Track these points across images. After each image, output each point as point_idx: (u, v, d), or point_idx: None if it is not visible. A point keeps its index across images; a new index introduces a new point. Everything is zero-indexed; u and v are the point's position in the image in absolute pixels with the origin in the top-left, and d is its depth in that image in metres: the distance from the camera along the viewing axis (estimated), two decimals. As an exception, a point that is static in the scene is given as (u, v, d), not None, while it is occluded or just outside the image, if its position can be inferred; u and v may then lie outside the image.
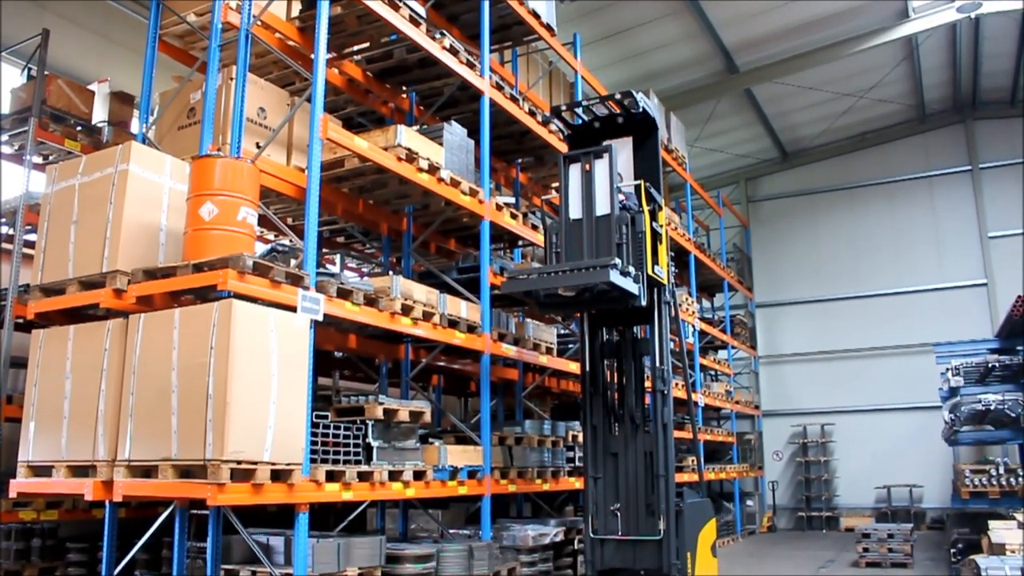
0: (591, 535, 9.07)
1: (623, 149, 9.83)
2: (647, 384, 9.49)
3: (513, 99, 11.09)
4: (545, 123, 11.80)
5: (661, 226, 9.34)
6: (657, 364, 9.18)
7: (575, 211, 9.14)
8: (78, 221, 7.28)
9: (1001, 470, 14.16)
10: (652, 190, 9.25)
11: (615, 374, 9.68)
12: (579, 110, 9.75)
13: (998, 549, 8.93)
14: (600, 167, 9.09)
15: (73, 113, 10.58)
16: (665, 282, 9.34)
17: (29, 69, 11.11)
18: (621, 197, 9.07)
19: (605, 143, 9.68)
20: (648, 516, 8.97)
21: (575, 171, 9.23)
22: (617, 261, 8.17)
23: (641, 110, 9.47)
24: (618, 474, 9.25)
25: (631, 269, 8.44)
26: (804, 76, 19.34)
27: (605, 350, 9.70)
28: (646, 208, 9.02)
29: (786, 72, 19.01)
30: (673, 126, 17.91)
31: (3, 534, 9.10)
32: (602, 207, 8.96)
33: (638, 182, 9.21)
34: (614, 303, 9.21)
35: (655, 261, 9.08)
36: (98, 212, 7.12)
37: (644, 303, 8.83)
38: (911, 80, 20.67)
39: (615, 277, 8.04)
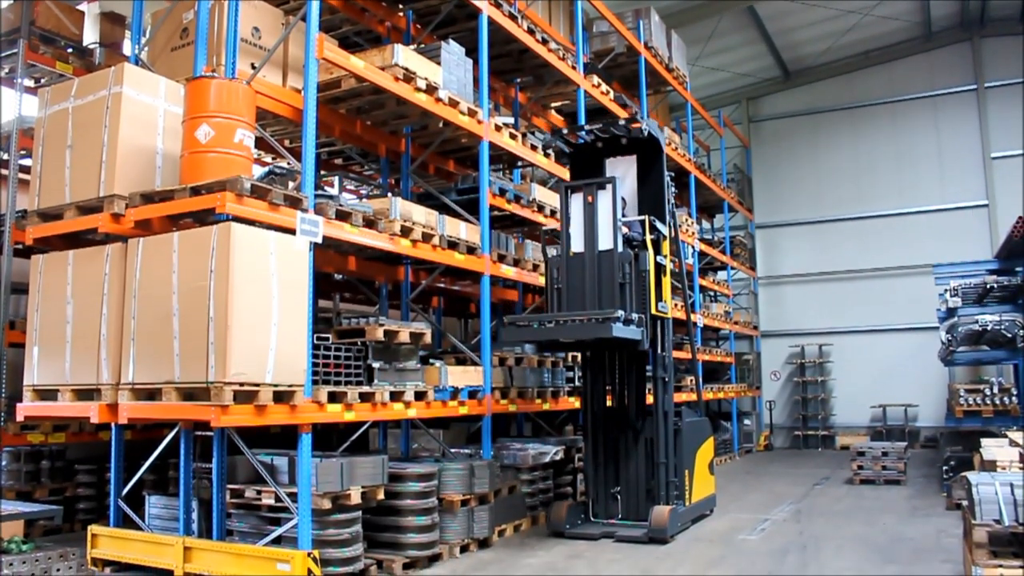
0: (591, 519, 9.23)
1: (627, 168, 9.60)
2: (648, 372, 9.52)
3: (512, 17, 10.86)
4: (544, 42, 11.58)
5: (665, 257, 9.19)
6: (659, 351, 9.16)
7: (577, 244, 8.97)
8: (73, 145, 7.21)
9: (995, 389, 14.29)
10: (656, 222, 9.07)
11: (615, 365, 9.68)
12: (582, 131, 9.51)
13: (989, 466, 9.05)
14: (603, 199, 8.88)
15: (63, 34, 10.37)
16: (668, 315, 9.24)
17: (15, -11, 10.84)
18: (624, 229, 8.91)
19: (609, 169, 9.45)
20: (648, 501, 9.09)
21: (577, 202, 9.03)
22: (620, 314, 8.04)
23: (646, 134, 9.23)
24: (619, 460, 9.32)
25: (634, 316, 8.32)
26: (809, -8, 18.89)
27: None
28: (649, 240, 8.82)
29: (790, -12, 18.57)
30: (674, 44, 17.53)
31: (13, 456, 9.25)
32: (605, 241, 8.79)
33: (643, 217, 9.01)
34: (615, 348, 9.17)
35: (659, 296, 8.94)
36: (93, 135, 7.05)
37: (647, 346, 8.76)
38: (918, -5, 20.21)
39: (618, 331, 7.96)
